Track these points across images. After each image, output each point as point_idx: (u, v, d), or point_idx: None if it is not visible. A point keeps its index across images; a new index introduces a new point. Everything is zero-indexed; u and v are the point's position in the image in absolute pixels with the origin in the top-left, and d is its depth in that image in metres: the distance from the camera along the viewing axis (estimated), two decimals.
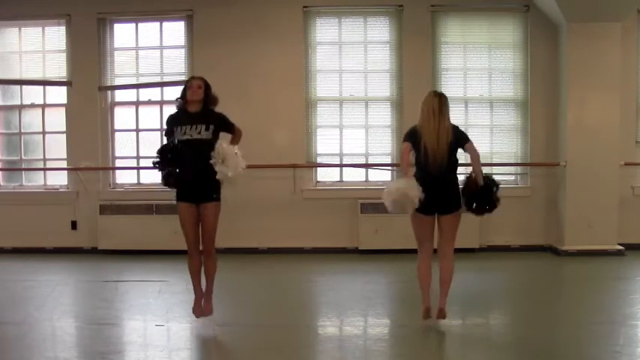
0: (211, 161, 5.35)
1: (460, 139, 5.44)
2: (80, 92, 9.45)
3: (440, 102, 5.41)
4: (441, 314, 5.46)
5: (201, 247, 5.59)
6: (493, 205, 5.57)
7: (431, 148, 5.33)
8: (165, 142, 5.70)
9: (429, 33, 9.24)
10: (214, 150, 5.36)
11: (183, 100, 5.55)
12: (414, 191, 5.27)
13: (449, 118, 5.45)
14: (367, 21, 9.40)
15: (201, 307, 5.67)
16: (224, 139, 5.55)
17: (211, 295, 5.70)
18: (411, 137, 5.46)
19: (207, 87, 5.58)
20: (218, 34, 9.25)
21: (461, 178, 5.64)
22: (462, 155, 5.63)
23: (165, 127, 5.73)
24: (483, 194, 5.51)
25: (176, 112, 5.63)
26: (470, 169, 5.67)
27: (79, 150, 9.48)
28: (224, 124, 5.60)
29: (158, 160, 5.55)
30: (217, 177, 5.37)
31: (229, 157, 5.35)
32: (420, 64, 9.21)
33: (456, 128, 5.48)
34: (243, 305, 6.57)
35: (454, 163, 5.46)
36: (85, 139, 9.44)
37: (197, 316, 5.68)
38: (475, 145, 5.50)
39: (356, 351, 5.14)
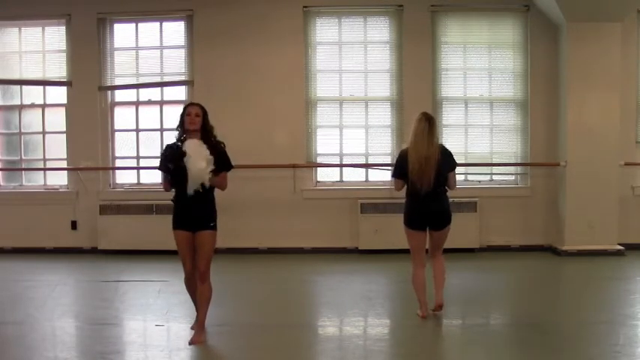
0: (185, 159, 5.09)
1: (449, 163, 5.77)
2: (80, 92, 9.45)
3: (429, 125, 5.70)
4: (439, 308, 5.81)
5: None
6: None
7: (419, 169, 5.62)
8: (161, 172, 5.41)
9: (429, 33, 9.24)
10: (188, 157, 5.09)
11: (181, 129, 5.30)
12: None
13: (437, 139, 5.76)
14: (367, 21, 9.40)
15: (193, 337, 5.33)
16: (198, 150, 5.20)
17: (204, 326, 5.37)
18: (402, 166, 5.77)
19: (204, 114, 5.29)
20: (218, 34, 9.25)
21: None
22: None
23: (160, 156, 5.44)
24: None
25: (171, 146, 5.31)
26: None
27: (79, 150, 9.48)
28: (222, 161, 5.28)
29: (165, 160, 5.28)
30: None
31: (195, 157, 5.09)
32: (420, 64, 9.22)
33: (444, 150, 5.78)
34: (243, 305, 6.58)
35: (443, 181, 5.75)
36: (85, 139, 9.44)
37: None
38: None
39: (356, 351, 5.14)
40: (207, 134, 5.30)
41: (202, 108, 5.34)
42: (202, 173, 5.14)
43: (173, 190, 5.35)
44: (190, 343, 5.23)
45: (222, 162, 5.30)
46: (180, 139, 5.30)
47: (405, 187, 5.84)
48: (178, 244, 5.33)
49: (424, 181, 5.63)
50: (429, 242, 5.91)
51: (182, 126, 5.30)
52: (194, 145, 5.18)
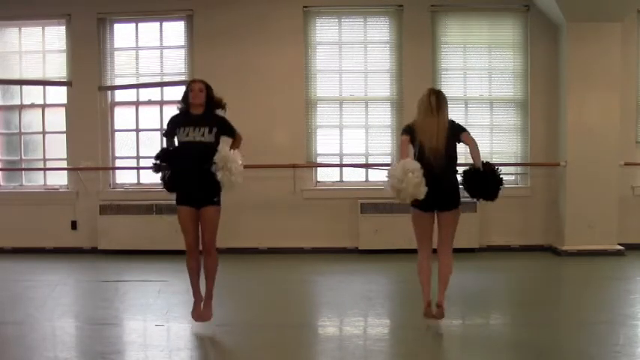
0: (212, 168, 5.32)
1: (455, 131, 5.42)
2: (80, 92, 9.44)
3: (437, 99, 5.39)
4: (439, 311, 5.40)
5: (200, 248, 5.58)
6: (497, 185, 5.44)
7: (428, 145, 5.29)
8: (164, 142, 5.68)
9: (429, 33, 9.24)
10: (217, 155, 5.33)
11: (185, 104, 5.54)
12: (418, 188, 5.14)
13: (447, 115, 5.43)
14: (367, 21, 9.40)
15: (200, 312, 5.60)
16: (225, 143, 5.53)
17: (211, 299, 5.61)
18: (409, 132, 5.44)
19: (208, 89, 5.55)
20: (218, 34, 9.25)
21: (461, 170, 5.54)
22: (461, 154, 5.62)
23: (165, 127, 5.69)
24: (485, 179, 5.42)
25: (178, 114, 5.60)
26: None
27: (79, 150, 9.48)
28: (226, 128, 5.59)
29: (158, 163, 5.47)
30: (219, 180, 5.34)
31: (232, 163, 5.32)
32: (420, 64, 9.21)
33: (451, 122, 5.46)
34: (243, 305, 6.58)
35: (453, 160, 5.42)
36: (85, 139, 9.44)
37: (196, 320, 5.61)
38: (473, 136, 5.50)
39: (356, 351, 5.14)
40: (210, 108, 5.54)
41: (206, 83, 5.57)
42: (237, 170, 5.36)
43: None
44: (199, 320, 5.53)
45: (229, 129, 5.59)
46: (183, 111, 5.55)
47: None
48: (182, 219, 5.49)
49: (435, 158, 5.24)
50: (437, 230, 5.46)
51: (186, 101, 5.53)
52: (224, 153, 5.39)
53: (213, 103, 5.55)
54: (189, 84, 5.61)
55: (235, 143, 5.64)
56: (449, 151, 5.36)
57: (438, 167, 5.29)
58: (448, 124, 5.40)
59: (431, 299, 5.44)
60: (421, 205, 5.33)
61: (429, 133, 5.30)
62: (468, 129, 9.26)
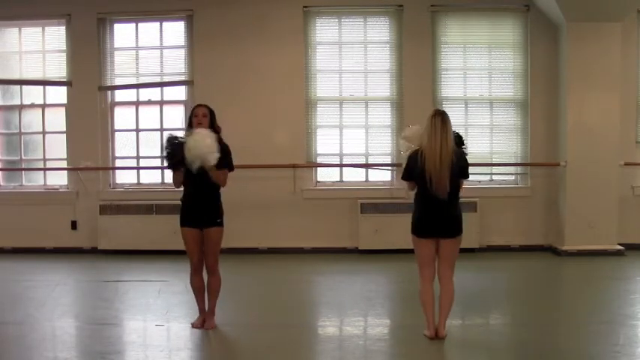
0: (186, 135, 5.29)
1: (460, 167, 5.22)
2: (80, 92, 9.44)
3: (442, 121, 5.17)
4: (440, 337, 5.29)
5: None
6: None
7: (434, 170, 5.11)
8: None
9: (429, 33, 9.24)
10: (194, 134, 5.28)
11: (190, 130, 5.50)
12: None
13: (452, 139, 5.21)
14: (367, 21, 9.40)
15: (201, 324, 5.63)
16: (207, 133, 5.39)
17: (214, 314, 5.66)
18: (412, 168, 5.25)
19: (212, 115, 5.56)
20: (218, 34, 9.26)
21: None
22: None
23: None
24: None
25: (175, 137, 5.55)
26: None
27: (79, 150, 9.48)
28: (225, 160, 5.44)
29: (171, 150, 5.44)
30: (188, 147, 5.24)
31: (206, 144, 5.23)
32: (420, 64, 9.22)
33: (460, 155, 5.26)
34: (243, 305, 6.58)
35: (457, 186, 5.28)
36: (85, 139, 9.44)
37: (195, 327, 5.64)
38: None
39: (356, 351, 5.14)
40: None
41: (209, 108, 5.60)
42: (207, 148, 5.22)
43: (182, 187, 5.58)
44: (200, 327, 5.57)
45: (226, 160, 5.46)
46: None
47: (415, 190, 5.34)
48: (186, 240, 5.56)
49: (440, 186, 5.09)
50: (438, 257, 5.34)
51: (190, 127, 5.53)
52: (201, 129, 5.37)
53: (215, 128, 5.52)
54: (194, 109, 5.63)
55: (221, 176, 5.45)
56: (452, 180, 5.18)
57: (443, 192, 5.15)
58: (456, 156, 5.19)
59: (436, 327, 5.29)
60: (423, 231, 5.29)
61: (435, 159, 5.10)
62: (469, 129, 9.41)
